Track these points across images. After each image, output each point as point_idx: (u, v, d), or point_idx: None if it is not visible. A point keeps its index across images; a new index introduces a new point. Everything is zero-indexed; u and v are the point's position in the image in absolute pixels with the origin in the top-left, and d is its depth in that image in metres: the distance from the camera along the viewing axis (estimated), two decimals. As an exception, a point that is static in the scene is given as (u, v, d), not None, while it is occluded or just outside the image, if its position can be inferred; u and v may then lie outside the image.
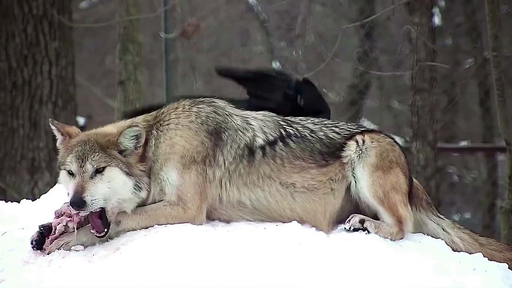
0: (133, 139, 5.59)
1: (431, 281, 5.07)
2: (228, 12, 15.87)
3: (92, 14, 19.01)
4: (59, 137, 5.71)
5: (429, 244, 5.81)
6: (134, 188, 5.57)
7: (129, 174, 5.55)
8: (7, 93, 11.54)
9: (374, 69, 14.33)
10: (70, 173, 5.54)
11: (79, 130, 5.76)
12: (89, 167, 5.49)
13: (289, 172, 5.79)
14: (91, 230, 5.51)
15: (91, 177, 5.48)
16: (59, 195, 6.37)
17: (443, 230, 5.94)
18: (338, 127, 5.99)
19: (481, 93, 15.35)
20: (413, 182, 5.99)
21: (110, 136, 5.59)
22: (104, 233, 5.49)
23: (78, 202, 5.40)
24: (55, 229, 5.57)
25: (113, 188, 5.50)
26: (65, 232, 5.58)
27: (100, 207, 5.46)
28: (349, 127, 6.01)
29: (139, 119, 5.85)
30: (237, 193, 5.75)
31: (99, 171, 5.50)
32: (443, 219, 6.00)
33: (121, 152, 5.58)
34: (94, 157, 5.51)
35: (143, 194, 5.61)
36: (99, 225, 5.49)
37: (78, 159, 5.51)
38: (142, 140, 5.61)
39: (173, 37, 12.11)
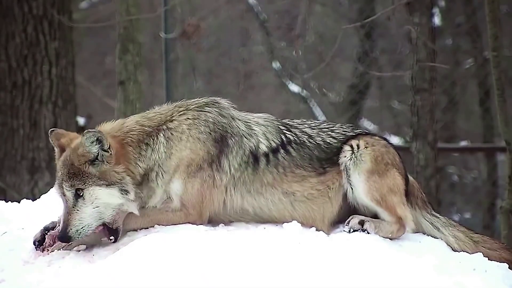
0: (95, 144, 5.49)
1: (431, 281, 5.06)
2: (228, 12, 15.88)
3: (92, 14, 19.01)
4: (55, 149, 5.70)
5: (429, 244, 5.81)
6: (121, 193, 5.52)
7: (109, 184, 5.50)
8: (7, 93, 11.54)
9: (374, 69, 14.34)
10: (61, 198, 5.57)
11: (71, 138, 5.65)
12: (69, 195, 5.48)
13: (290, 182, 5.81)
14: (102, 239, 5.55)
15: (74, 205, 5.47)
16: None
17: (437, 229, 5.93)
18: (334, 131, 5.99)
19: (481, 93, 15.34)
20: (409, 180, 5.99)
21: (78, 149, 5.52)
22: (113, 239, 5.53)
23: (63, 238, 5.44)
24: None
25: (101, 205, 5.49)
26: None
27: (93, 230, 5.48)
28: (345, 130, 6.01)
29: (132, 122, 5.77)
30: (240, 200, 5.76)
31: (79, 195, 5.47)
32: (438, 217, 5.99)
33: (93, 161, 5.51)
34: (69, 183, 5.46)
35: (131, 196, 5.55)
36: (106, 233, 5.54)
37: (60, 187, 5.51)
38: (106, 143, 5.50)
39: (173, 37, 12.10)
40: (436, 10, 15.93)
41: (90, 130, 5.54)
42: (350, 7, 16.74)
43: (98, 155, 5.50)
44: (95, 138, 5.49)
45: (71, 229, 5.43)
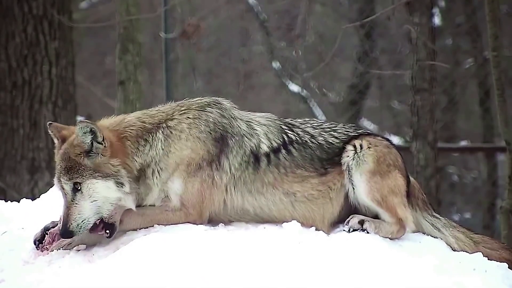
0: (88, 134, 5.51)
1: (431, 281, 5.06)
2: (228, 12, 15.88)
3: (92, 14, 19.01)
4: (55, 141, 5.71)
5: (429, 244, 5.81)
6: (117, 187, 5.54)
7: (105, 176, 5.52)
8: (7, 93, 11.53)
9: (374, 69, 14.33)
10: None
11: (73, 131, 5.65)
12: (67, 189, 5.50)
13: (291, 182, 5.81)
14: (99, 232, 5.55)
15: (73, 199, 5.48)
16: (59, 195, 6.37)
17: (438, 230, 5.93)
18: (336, 131, 5.99)
19: (481, 93, 15.34)
20: (410, 181, 5.99)
21: (73, 140, 5.55)
22: (108, 234, 5.54)
23: (65, 233, 5.45)
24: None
25: (99, 198, 5.50)
26: None
27: (93, 223, 5.50)
28: (347, 130, 6.01)
29: (133, 118, 5.79)
30: (241, 200, 5.76)
31: (77, 189, 5.49)
32: (438, 218, 5.99)
33: (88, 152, 5.53)
34: (66, 176, 5.48)
35: (127, 188, 5.56)
36: (102, 227, 5.54)
37: (59, 181, 5.53)
38: (100, 134, 5.52)
39: (173, 37, 12.10)
40: (436, 10, 15.93)
41: (83, 120, 5.57)
42: (350, 7, 16.75)
43: (93, 147, 5.52)
44: (88, 129, 5.51)
45: (71, 224, 5.44)
